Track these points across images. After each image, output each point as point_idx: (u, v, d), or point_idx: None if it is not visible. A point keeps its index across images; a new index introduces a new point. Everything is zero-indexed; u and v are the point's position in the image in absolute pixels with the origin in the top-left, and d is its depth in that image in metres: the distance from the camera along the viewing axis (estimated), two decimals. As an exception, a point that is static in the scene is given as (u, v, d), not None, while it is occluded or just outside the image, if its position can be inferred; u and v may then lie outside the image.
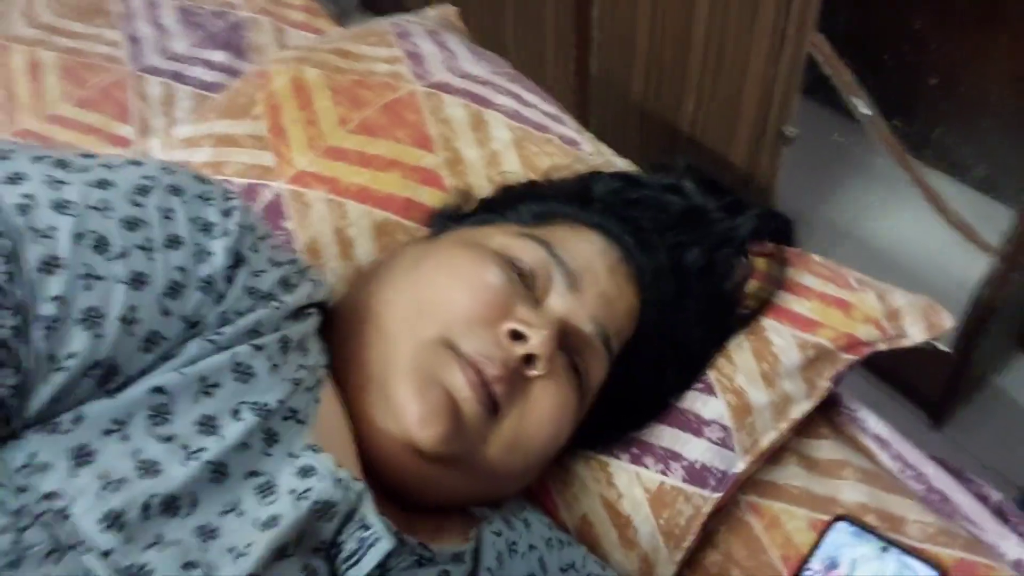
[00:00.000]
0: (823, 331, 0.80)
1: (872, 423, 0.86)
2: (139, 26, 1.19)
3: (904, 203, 1.63)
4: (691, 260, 0.78)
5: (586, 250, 0.71)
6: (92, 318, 0.49)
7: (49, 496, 0.46)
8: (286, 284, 0.60)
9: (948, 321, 0.83)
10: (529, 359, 0.63)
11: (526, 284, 0.66)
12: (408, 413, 0.60)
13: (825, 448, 0.84)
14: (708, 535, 0.79)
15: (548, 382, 0.65)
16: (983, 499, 0.83)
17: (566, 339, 0.66)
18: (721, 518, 0.80)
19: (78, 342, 0.48)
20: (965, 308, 1.40)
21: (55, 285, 0.48)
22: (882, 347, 0.82)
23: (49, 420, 0.48)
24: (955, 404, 1.56)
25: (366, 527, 0.54)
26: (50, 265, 0.48)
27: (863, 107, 1.40)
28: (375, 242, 0.86)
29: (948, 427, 1.57)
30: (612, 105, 1.77)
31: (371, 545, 0.54)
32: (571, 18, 1.73)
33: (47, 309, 0.47)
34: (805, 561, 0.76)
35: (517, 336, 0.63)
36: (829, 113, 1.52)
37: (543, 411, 0.65)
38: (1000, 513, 0.81)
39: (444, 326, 0.63)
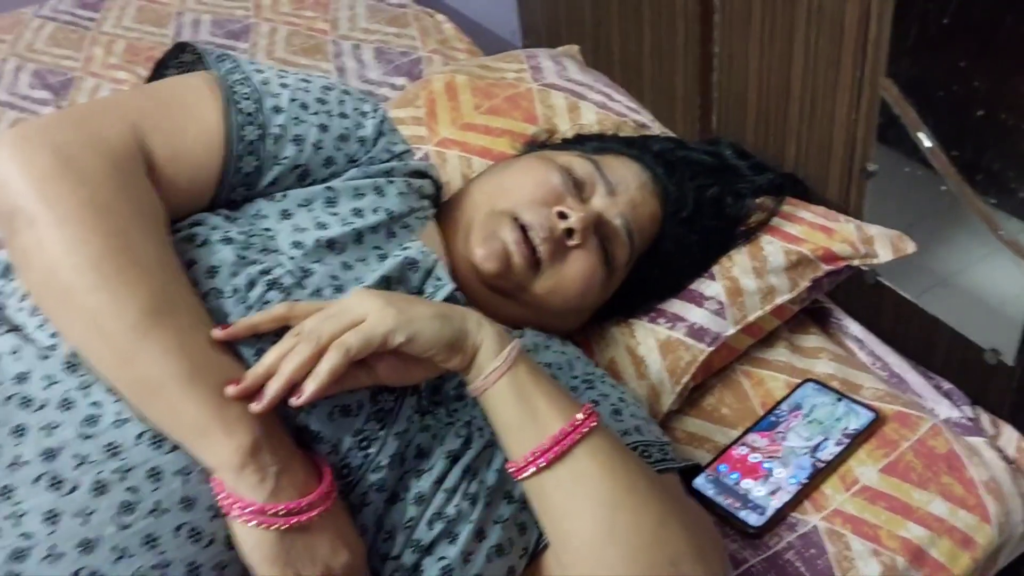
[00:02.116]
0: (806, 245, 1.07)
1: (853, 328, 1.10)
2: (346, 60, 1.63)
3: (963, 222, 1.80)
4: (710, 194, 1.07)
5: (623, 170, 1.01)
6: (297, 140, 0.85)
7: (265, 229, 0.82)
8: (411, 155, 0.95)
9: (911, 247, 1.07)
10: (569, 232, 0.94)
11: (577, 187, 0.98)
12: (476, 252, 0.92)
13: (811, 340, 1.09)
14: (708, 387, 1.05)
15: (581, 252, 0.95)
16: (937, 387, 1.04)
17: (599, 227, 0.96)
18: (719, 378, 1.06)
19: (289, 151, 0.85)
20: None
21: (280, 119, 0.85)
22: (855, 263, 1.07)
23: (269, 194, 0.85)
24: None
25: (439, 279, 0.87)
26: (277, 109, 0.85)
27: (927, 141, 1.63)
28: (488, 182, 1.21)
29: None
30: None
31: (440, 288, 0.86)
32: (696, 83, 2.06)
33: (275, 130, 0.84)
34: (776, 405, 1.01)
35: (562, 216, 0.94)
36: (903, 152, 1.75)
37: (576, 271, 0.95)
38: (943, 391, 1.02)
39: (513, 203, 0.95)
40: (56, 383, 0.72)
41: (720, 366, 1.06)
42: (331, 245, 0.83)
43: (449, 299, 0.86)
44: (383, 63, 1.62)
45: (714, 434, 1.01)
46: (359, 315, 0.73)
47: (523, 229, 0.93)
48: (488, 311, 0.92)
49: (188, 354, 0.69)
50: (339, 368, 0.70)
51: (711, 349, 1.02)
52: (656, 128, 1.29)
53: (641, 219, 0.99)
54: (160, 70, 0.94)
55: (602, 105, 1.29)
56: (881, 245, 1.07)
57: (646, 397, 1.01)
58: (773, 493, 0.93)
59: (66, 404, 0.71)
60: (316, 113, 0.88)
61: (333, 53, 1.65)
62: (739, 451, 0.97)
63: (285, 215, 0.84)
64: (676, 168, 1.06)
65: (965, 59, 1.76)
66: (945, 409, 1.00)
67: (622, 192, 0.98)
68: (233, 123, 0.82)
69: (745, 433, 0.99)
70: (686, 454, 0.99)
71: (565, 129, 1.25)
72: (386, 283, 0.83)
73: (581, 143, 1.09)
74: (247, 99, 0.84)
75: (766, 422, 1.00)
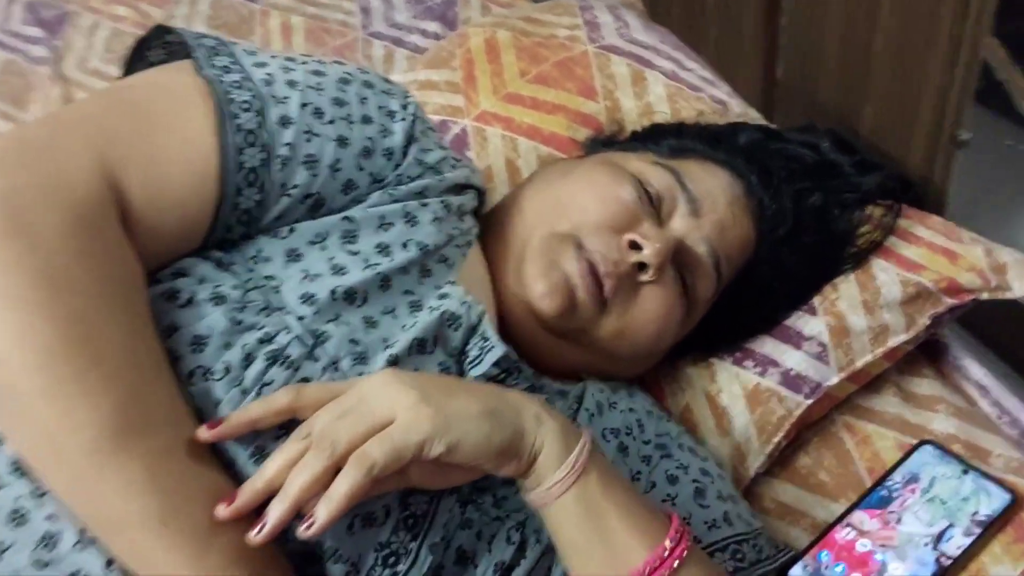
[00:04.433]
0: (926, 273, 0.88)
1: (975, 370, 0.92)
2: (370, 0, 1.41)
3: None
4: (812, 203, 0.87)
5: (710, 182, 0.82)
6: (310, 162, 0.66)
7: (267, 277, 0.64)
8: (450, 163, 0.76)
9: (1055, 278, 0.88)
10: (641, 266, 0.75)
11: (653, 205, 0.78)
12: (534, 287, 0.74)
13: (924, 385, 0.91)
14: (801, 443, 0.88)
15: (656, 288, 0.77)
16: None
17: (680, 256, 0.78)
18: (816, 431, 0.88)
19: (300, 177, 0.66)
20: None
21: (288, 135, 0.66)
22: (984, 296, 0.88)
23: (273, 229, 0.66)
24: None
25: (485, 339, 0.69)
26: (285, 121, 0.66)
27: (1036, 111, 1.42)
28: (538, 171, 1.01)
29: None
30: (796, 110, 1.84)
31: (488, 351, 0.68)
32: (762, 22, 1.83)
33: (282, 151, 0.65)
34: (889, 473, 0.84)
35: (635, 246, 0.75)
36: (1005, 121, 1.54)
37: (648, 311, 0.77)
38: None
39: (575, 225, 0.76)
40: (3, 487, 0.56)
41: (817, 417, 0.88)
42: (350, 297, 0.65)
43: (500, 363, 0.68)
44: (413, 4, 1.40)
45: (812, 507, 0.84)
46: (386, 415, 0.56)
47: (587, 257, 0.74)
48: (542, 356, 0.75)
49: (160, 488, 0.53)
50: (360, 489, 0.54)
51: (810, 402, 0.84)
52: (735, 106, 1.08)
53: (730, 245, 0.81)
54: (137, 59, 0.74)
55: (672, 75, 1.08)
56: (1016, 275, 0.88)
57: (728, 457, 0.84)
58: (888, 597, 0.76)
59: (17, 517, 0.55)
60: (333, 121, 0.68)
61: (357, -12, 1.43)
62: (844, 535, 0.80)
63: (292, 256, 0.66)
64: (772, 171, 0.86)
65: (1096, 20, 1.53)
66: (1096, 488, 0.83)
67: (708, 211, 0.79)
68: (230, 145, 0.63)
69: (851, 510, 0.82)
70: (778, 532, 0.82)
71: (629, 107, 1.05)
72: (420, 346, 0.66)
73: (656, 140, 0.89)
74: (247, 109, 0.64)
75: (876, 496, 0.82)
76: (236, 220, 0.65)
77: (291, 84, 0.68)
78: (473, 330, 0.69)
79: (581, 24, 1.15)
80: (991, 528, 0.79)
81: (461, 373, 0.68)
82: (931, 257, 0.89)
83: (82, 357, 0.53)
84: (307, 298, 0.64)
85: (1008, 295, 0.88)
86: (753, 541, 0.74)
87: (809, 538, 0.81)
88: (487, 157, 1.04)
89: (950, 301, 0.88)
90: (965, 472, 0.83)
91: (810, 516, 0.84)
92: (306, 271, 0.65)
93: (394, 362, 0.64)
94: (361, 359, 0.63)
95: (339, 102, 0.70)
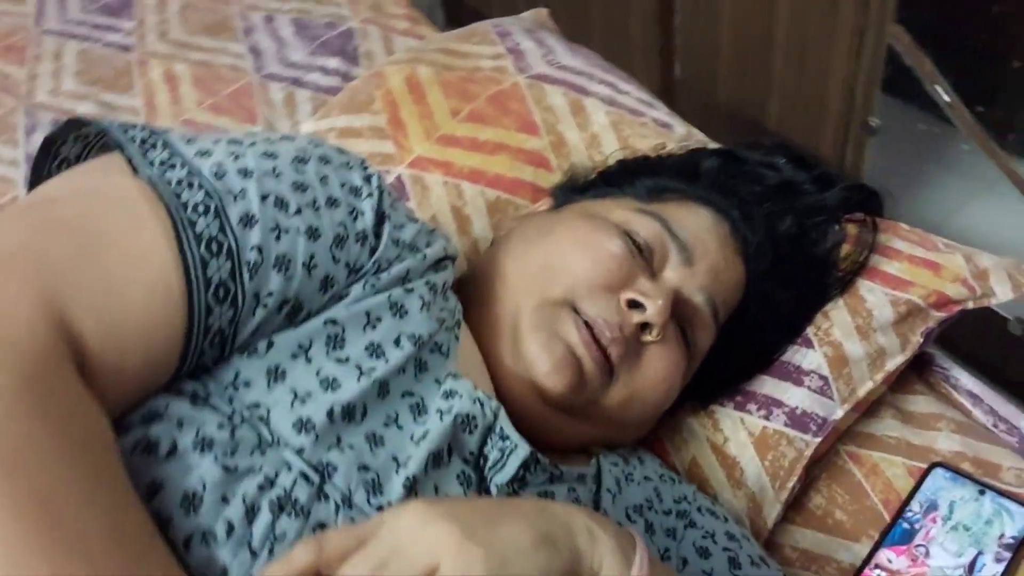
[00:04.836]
0: (914, 289, 0.85)
1: (965, 379, 0.90)
2: (259, 39, 1.30)
3: (990, 189, 1.65)
4: (784, 229, 0.83)
5: (697, 225, 0.76)
6: (282, 263, 0.57)
7: (252, 406, 0.55)
8: (424, 237, 0.68)
9: (1036, 279, 0.87)
10: (644, 326, 0.69)
11: (643, 256, 0.72)
12: (539, 364, 0.67)
13: (920, 403, 0.88)
14: (810, 482, 0.84)
15: (661, 347, 0.71)
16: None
17: (678, 308, 0.72)
18: (822, 467, 0.84)
19: (274, 283, 0.56)
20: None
21: (254, 236, 0.56)
22: (971, 305, 0.86)
23: (248, 346, 0.57)
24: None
25: (504, 438, 0.61)
26: (248, 220, 0.56)
27: (945, 95, 1.44)
28: (489, 218, 0.94)
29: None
30: (698, 109, 1.83)
31: (511, 453, 0.60)
32: (655, 23, 1.80)
33: (251, 256, 0.56)
34: (906, 504, 0.80)
35: (634, 304, 0.69)
36: (912, 106, 1.56)
37: (655, 373, 0.71)
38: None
39: (569, 289, 0.69)
40: None
41: (823, 452, 0.84)
42: (349, 414, 0.56)
43: (526, 465, 0.61)
44: (306, 40, 1.29)
45: (835, 551, 0.80)
46: (428, 561, 0.47)
47: (587, 323, 0.68)
48: (548, 435, 0.68)
49: None
50: None
51: (819, 440, 0.80)
52: (678, 126, 1.04)
53: (726, 289, 0.76)
54: (46, 156, 0.63)
55: (611, 101, 1.03)
56: (998, 280, 0.86)
57: (745, 510, 0.79)
58: (934, 641, 0.73)
59: None
60: (300, 211, 0.59)
61: (243, 30, 1.31)
62: (874, 577, 0.77)
63: (276, 376, 0.57)
64: (747, 201, 0.81)
65: (999, 4, 1.56)
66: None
67: (700, 257, 0.74)
68: (192, 259, 0.53)
69: (875, 550, 0.78)
70: (805, 583, 0.78)
71: (575, 140, 0.99)
72: (436, 460, 0.58)
73: (630, 182, 0.83)
74: (203, 213, 0.55)
75: (898, 531, 0.79)
76: (209, 344, 0.55)
77: (244, 174, 0.59)
78: (489, 430, 0.61)
79: (504, 53, 1.08)
80: (1020, 550, 0.76)
81: (482, 480, 0.61)
82: (914, 271, 0.86)
83: (55, 547, 0.43)
84: (302, 425, 0.55)
85: (993, 301, 0.86)
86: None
87: (838, 584, 0.77)
88: (429, 207, 0.95)
89: (940, 315, 0.85)
90: (982, 493, 0.80)
91: (835, 560, 0.80)
92: (295, 391, 0.56)
93: (411, 485, 0.56)
94: (376, 488, 0.55)
95: (300, 187, 0.61)
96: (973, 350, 0.92)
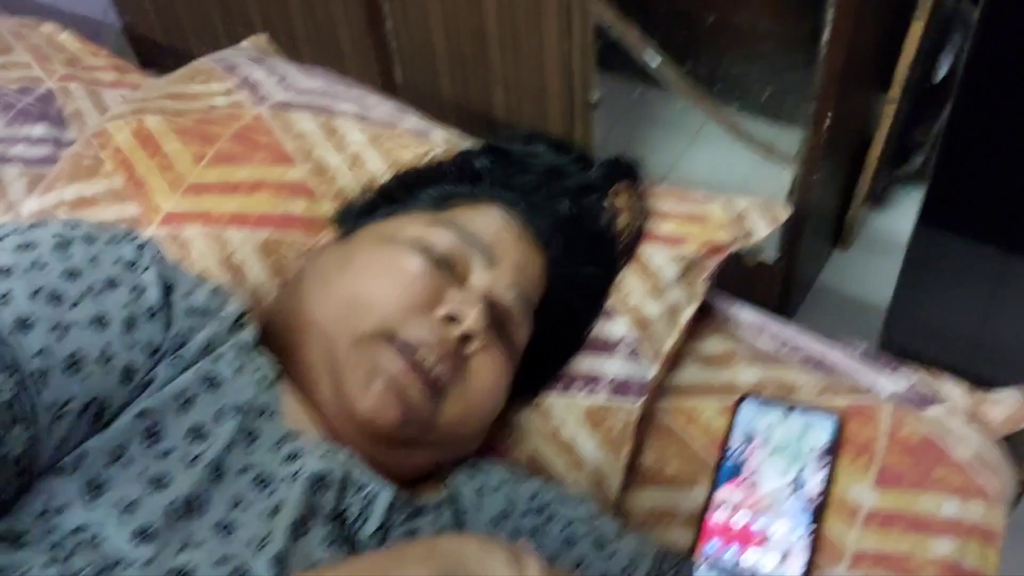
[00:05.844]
0: (688, 245, 0.90)
1: (745, 313, 0.97)
2: (-56, 117, 1.15)
3: (708, 137, 1.79)
4: (565, 212, 0.85)
5: (492, 225, 0.76)
6: (73, 363, 0.51)
7: (75, 531, 0.48)
8: (217, 298, 0.63)
9: (784, 213, 0.95)
10: (465, 338, 0.68)
11: (447, 268, 0.71)
12: (362, 403, 0.64)
13: (714, 344, 0.94)
14: (638, 444, 0.87)
15: (484, 354, 0.70)
16: (852, 352, 0.95)
17: (492, 311, 0.72)
18: (645, 427, 0.88)
19: (71, 387, 0.50)
20: (781, 219, 1.55)
21: (34, 341, 0.49)
22: (738, 246, 0.92)
23: (53, 466, 0.50)
24: (791, 309, 1.73)
25: (362, 487, 0.58)
26: (23, 323, 0.50)
27: (652, 58, 1.54)
28: (264, 262, 0.89)
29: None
30: (424, 110, 1.84)
31: (373, 499, 0.58)
32: (365, 33, 1.79)
33: (35, 364, 0.49)
34: (725, 443, 0.85)
35: (451, 319, 0.68)
36: (629, 76, 1.66)
37: (484, 381, 0.71)
38: (868, 359, 0.93)
39: (380, 320, 0.67)
40: None
41: (645, 412, 0.87)
42: (189, 508, 0.52)
43: (392, 508, 0.58)
44: (2, 111, 1.17)
45: (677, 502, 0.84)
46: None
47: (408, 350, 0.66)
48: (391, 469, 0.67)
49: None
50: None
51: (641, 401, 0.84)
52: (435, 130, 1.03)
53: (531, 282, 0.77)
54: None
55: (361, 117, 1.01)
56: (756, 219, 0.94)
57: (589, 487, 0.81)
58: (785, 558, 0.78)
59: None
60: (77, 302, 0.53)
61: (-81, 111, 1.16)
62: (717, 517, 0.81)
63: (93, 490, 0.51)
64: (523, 190, 0.83)
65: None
66: (884, 382, 0.91)
67: (502, 256, 0.75)
68: None
69: (712, 491, 0.82)
70: (660, 538, 0.80)
71: (336, 163, 0.96)
72: (296, 530, 0.54)
73: (413, 195, 0.82)
74: None
75: (726, 468, 0.84)
76: (11, 473, 0.48)
77: (4, 273, 0.52)
78: (344, 481, 0.58)
79: (236, 87, 1.03)
80: (834, 454, 0.84)
81: (348, 536, 0.58)
82: (685, 226, 0.91)
83: None
84: (141, 535, 0.49)
85: (756, 239, 0.93)
86: (667, 563, 0.72)
87: (689, 533, 0.81)
88: (195, 264, 0.89)
89: (715, 260, 0.91)
90: (788, 412, 0.87)
91: (678, 512, 0.83)
92: (121, 501, 0.50)
93: (282, 561, 0.52)
94: None
95: (71, 274, 0.54)
96: (722, 285, 1.00)
